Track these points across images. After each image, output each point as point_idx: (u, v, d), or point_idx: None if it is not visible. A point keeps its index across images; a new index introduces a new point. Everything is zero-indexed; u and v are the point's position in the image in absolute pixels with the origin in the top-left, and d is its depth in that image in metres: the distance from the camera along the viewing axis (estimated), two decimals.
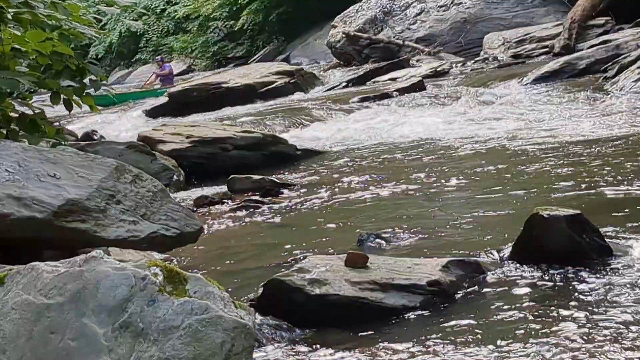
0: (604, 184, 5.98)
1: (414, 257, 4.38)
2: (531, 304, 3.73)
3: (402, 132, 10.09)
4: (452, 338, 3.42)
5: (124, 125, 14.51)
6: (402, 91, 13.03)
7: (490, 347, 3.28)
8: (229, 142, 9.17)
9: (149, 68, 30.91)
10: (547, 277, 4.02)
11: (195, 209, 6.96)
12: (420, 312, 3.78)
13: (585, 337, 3.27)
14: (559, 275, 4.02)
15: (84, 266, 2.69)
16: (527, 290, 3.93)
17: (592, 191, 5.77)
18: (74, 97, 5.08)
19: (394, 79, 15.01)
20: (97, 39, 23.93)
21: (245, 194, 7.33)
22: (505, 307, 3.73)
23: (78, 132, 11.85)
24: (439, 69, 15.79)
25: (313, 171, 8.28)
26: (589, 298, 3.70)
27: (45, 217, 3.79)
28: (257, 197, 7.15)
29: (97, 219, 3.95)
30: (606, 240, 4.25)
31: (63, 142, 4.95)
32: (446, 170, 7.43)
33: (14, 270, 2.78)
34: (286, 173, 8.38)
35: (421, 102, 12.13)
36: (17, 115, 4.96)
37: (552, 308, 3.63)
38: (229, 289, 2.83)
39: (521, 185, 6.30)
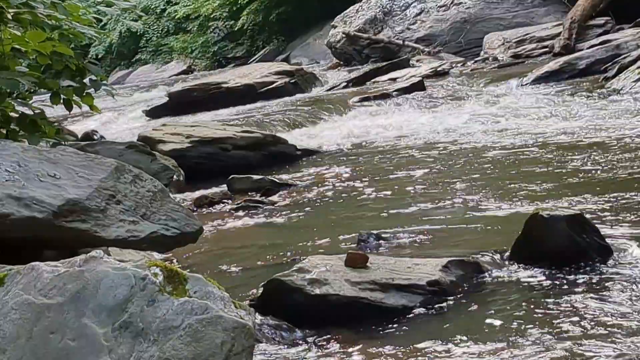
0: (604, 184, 5.98)
1: (414, 257, 4.39)
2: (531, 304, 3.73)
3: (402, 132, 10.09)
4: (452, 338, 3.43)
5: (124, 125, 14.50)
6: (402, 91, 13.01)
7: (491, 347, 3.29)
8: (229, 142, 9.16)
9: (149, 68, 30.90)
10: (547, 277, 4.02)
11: (195, 209, 6.96)
12: (420, 312, 3.78)
13: (585, 337, 3.27)
14: (559, 276, 4.02)
15: (84, 266, 2.69)
16: (527, 290, 3.93)
17: (592, 191, 5.77)
18: (74, 97, 5.09)
19: (394, 79, 14.97)
20: (97, 39, 23.93)
21: (245, 194, 7.33)
22: (505, 307, 3.74)
23: (78, 132, 11.84)
24: (439, 69, 15.75)
25: (313, 171, 8.28)
26: (590, 298, 3.70)
27: (45, 217, 3.80)
28: (257, 197, 7.15)
29: (97, 219, 3.95)
30: (606, 240, 4.26)
31: (63, 142, 4.95)
32: (446, 170, 7.43)
33: (14, 270, 2.78)
34: (286, 173, 8.37)
35: (421, 102, 12.12)
36: (17, 115, 4.96)
37: (552, 308, 3.63)
38: (229, 289, 2.83)
39: (521, 185, 6.30)
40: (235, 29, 28.24)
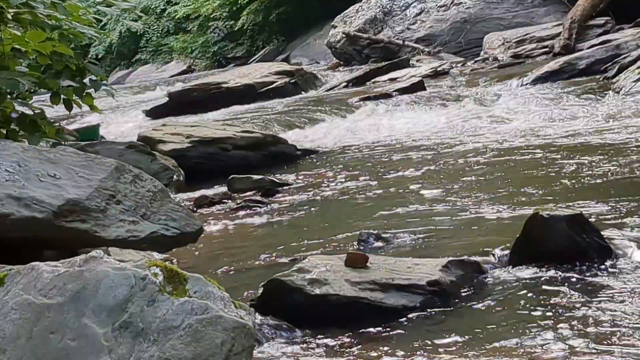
0: (605, 185, 5.98)
1: (414, 257, 4.39)
2: (531, 304, 3.73)
3: (402, 132, 10.09)
4: (452, 338, 3.43)
5: (124, 125, 14.50)
6: (402, 91, 13.01)
7: (490, 347, 3.29)
8: (229, 142, 9.17)
9: (149, 68, 30.91)
10: (547, 277, 4.02)
11: (195, 209, 6.96)
12: (420, 312, 3.78)
13: (585, 337, 3.27)
14: (558, 276, 4.02)
15: (84, 266, 2.69)
16: (527, 290, 3.93)
17: (592, 191, 5.77)
18: (74, 97, 5.09)
19: (394, 79, 14.97)
20: (97, 39, 23.93)
21: (245, 194, 7.33)
22: (505, 307, 3.74)
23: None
24: (439, 69, 15.76)
25: (313, 171, 8.28)
26: (589, 298, 3.70)
27: (45, 217, 3.80)
28: (257, 197, 7.15)
29: (97, 219, 3.96)
30: (606, 240, 4.25)
31: (63, 142, 4.96)
32: (446, 170, 7.43)
33: (14, 270, 2.78)
34: (286, 173, 8.38)
35: (421, 102, 12.12)
36: (17, 115, 4.96)
37: (552, 308, 3.63)
38: (229, 289, 2.83)
39: (521, 185, 6.30)
40: (235, 29, 28.25)
